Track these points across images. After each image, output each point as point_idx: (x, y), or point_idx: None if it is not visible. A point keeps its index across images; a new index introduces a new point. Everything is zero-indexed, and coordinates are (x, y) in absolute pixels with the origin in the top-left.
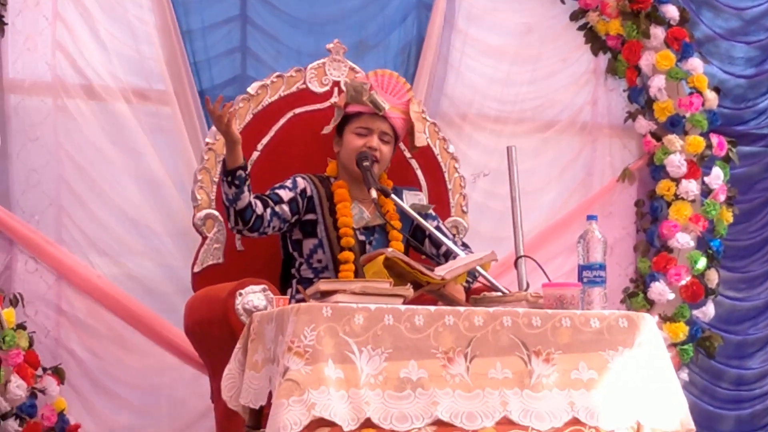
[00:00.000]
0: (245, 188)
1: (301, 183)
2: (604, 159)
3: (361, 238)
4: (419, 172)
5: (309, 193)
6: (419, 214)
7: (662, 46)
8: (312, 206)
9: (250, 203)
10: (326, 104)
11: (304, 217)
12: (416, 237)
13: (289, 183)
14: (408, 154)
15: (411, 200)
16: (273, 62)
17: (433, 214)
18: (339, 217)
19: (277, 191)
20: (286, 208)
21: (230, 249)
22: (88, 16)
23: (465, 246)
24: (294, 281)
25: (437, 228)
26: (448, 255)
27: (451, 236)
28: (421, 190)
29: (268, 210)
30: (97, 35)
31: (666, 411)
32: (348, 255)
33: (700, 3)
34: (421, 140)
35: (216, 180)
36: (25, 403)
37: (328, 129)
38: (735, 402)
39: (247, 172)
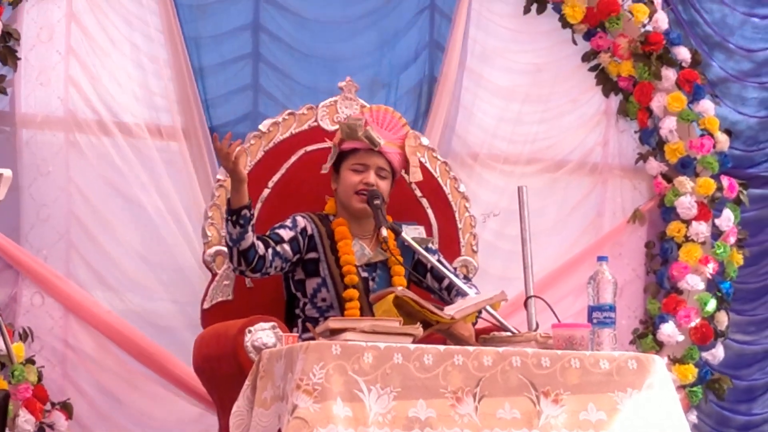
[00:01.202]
0: (249, 228)
1: (301, 222)
2: (615, 200)
3: (364, 275)
4: (429, 211)
5: (310, 231)
6: (424, 247)
7: (674, 88)
8: (313, 245)
9: (253, 243)
10: None
11: (306, 256)
12: (417, 271)
13: (289, 222)
14: (419, 193)
15: (411, 234)
16: (285, 100)
17: (434, 248)
18: (341, 255)
19: (277, 231)
20: (287, 247)
21: (240, 286)
22: (100, 52)
23: (467, 279)
24: (299, 321)
25: (438, 262)
26: (451, 288)
27: (452, 270)
28: (430, 228)
29: (270, 250)
30: (110, 71)
31: None
32: (352, 293)
33: (712, 45)
34: (416, 175)
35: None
36: None
37: (325, 167)
38: None
39: (252, 212)
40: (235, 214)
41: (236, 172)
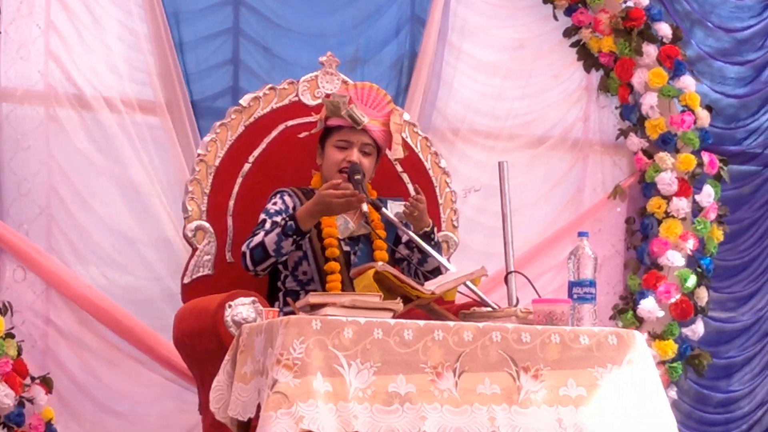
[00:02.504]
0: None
1: (290, 202)
2: (595, 176)
3: (346, 248)
4: (410, 187)
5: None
6: (404, 223)
7: (655, 64)
8: None
9: None
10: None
11: None
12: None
13: (281, 205)
14: (399, 168)
15: (395, 209)
16: (266, 75)
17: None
18: (324, 227)
19: (275, 219)
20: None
21: (220, 260)
22: (81, 26)
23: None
24: (281, 294)
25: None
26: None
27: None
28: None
29: None
30: (90, 45)
31: (655, 429)
32: (333, 266)
33: (692, 22)
34: (397, 152)
35: (207, 191)
36: (12, 412)
37: (304, 134)
38: (722, 425)
39: None
40: (301, 236)
41: (335, 214)
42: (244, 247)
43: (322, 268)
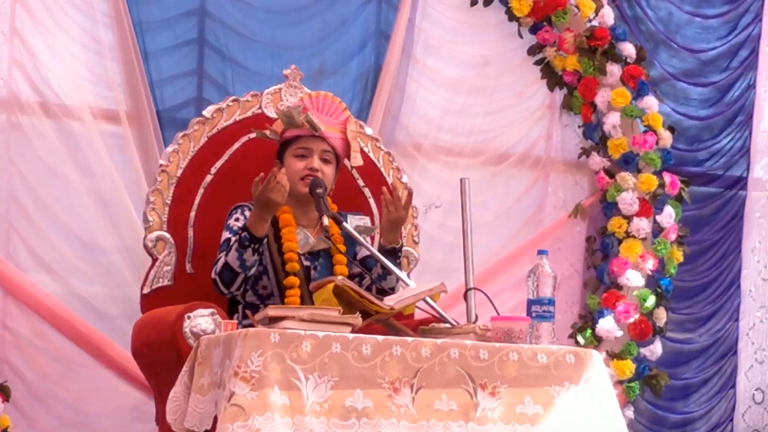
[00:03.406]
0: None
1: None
2: (556, 194)
3: (306, 263)
4: (372, 201)
5: None
6: (363, 236)
7: (618, 84)
8: None
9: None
10: None
11: None
12: (367, 265)
13: (243, 221)
14: (362, 183)
15: (355, 223)
16: (230, 86)
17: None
18: (284, 242)
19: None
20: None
21: (180, 271)
22: (46, 34)
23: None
24: (240, 307)
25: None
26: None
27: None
28: (372, 218)
29: None
30: (55, 53)
31: None
32: (293, 280)
33: (657, 42)
34: (356, 160)
35: (168, 202)
36: None
37: (254, 132)
38: None
39: None
40: (259, 243)
41: (280, 204)
42: (213, 274)
43: (281, 282)
